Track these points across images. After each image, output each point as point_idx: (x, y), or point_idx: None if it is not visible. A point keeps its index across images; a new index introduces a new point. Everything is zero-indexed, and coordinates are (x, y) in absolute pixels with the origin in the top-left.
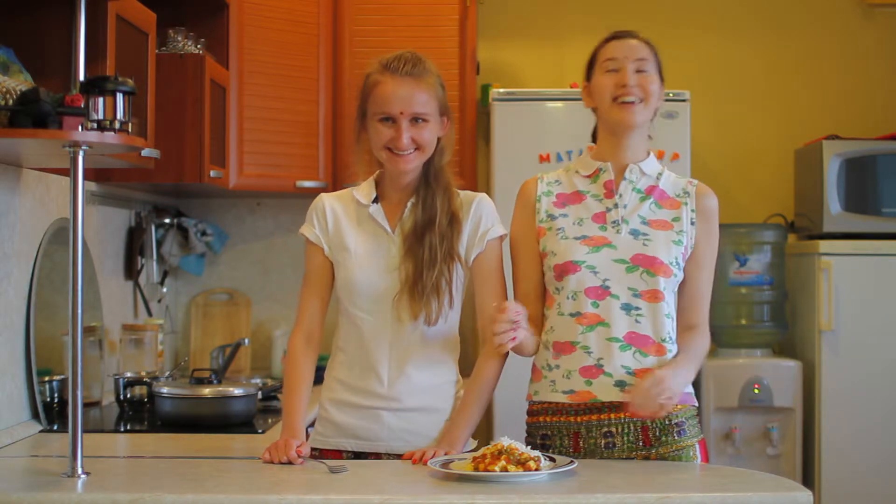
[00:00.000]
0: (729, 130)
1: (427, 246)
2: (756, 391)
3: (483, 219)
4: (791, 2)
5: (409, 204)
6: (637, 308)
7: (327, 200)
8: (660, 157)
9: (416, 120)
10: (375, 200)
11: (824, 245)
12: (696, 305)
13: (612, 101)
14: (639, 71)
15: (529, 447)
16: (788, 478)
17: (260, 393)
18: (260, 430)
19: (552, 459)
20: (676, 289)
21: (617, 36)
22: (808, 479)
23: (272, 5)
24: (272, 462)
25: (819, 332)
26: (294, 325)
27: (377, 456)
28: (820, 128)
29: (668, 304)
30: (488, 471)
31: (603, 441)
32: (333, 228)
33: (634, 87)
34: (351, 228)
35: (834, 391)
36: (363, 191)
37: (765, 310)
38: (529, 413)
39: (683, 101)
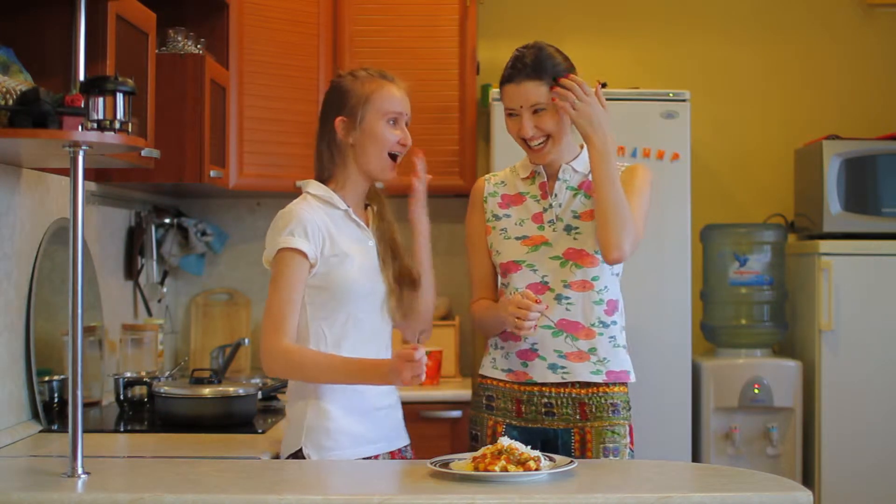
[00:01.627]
0: (729, 130)
1: (400, 250)
2: (756, 391)
3: None
4: (791, 2)
5: (374, 212)
6: (567, 297)
7: (310, 212)
8: (659, 156)
9: (405, 124)
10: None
11: (824, 245)
12: None
13: (521, 141)
14: (536, 112)
15: (475, 407)
16: (788, 478)
17: (260, 393)
18: (260, 430)
19: (552, 459)
20: (615, 271)
21: (510, 78)
22: (808, 479)
23: (272, 5)
24: (408, 381)
25: (819, 332)
26: (276, 334)
27: (376, 458)
28: (820, 128)
29: (600, 291)
30: (488, 471)
31: (543, 409)
32: (329, 240)
33: (535, 132)
34: (340, 234)
35: (834, 391)
36: (332, 197)
37: (765, 310)
38: (480, 377)
39: (683, 101)
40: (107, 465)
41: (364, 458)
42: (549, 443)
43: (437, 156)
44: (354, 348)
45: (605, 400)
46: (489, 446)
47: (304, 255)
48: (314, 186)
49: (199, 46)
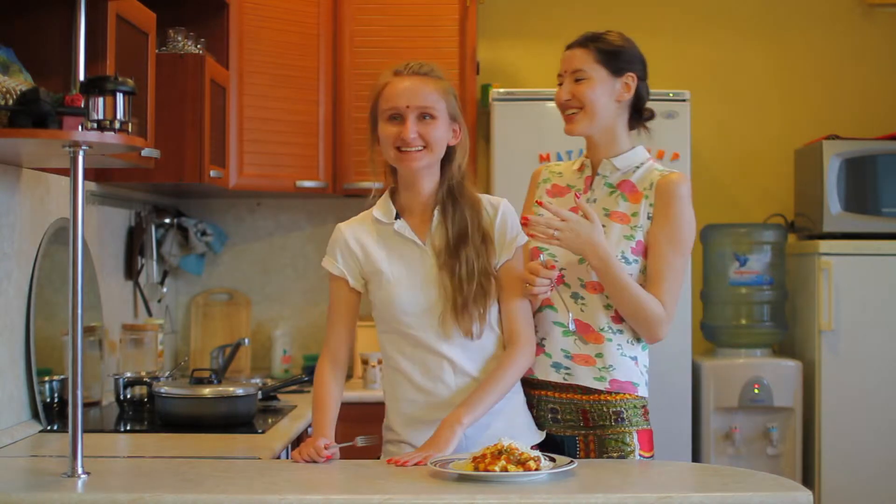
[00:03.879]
0: (729, 130)
1: (464, 261)
2: (756, 391)
3: (509, 226)
4: (791, 2)
5: (435, 215)
6: (582, 298)
7: (346, 231)
8: (659, 156)
9: (423, 117)
10: (397, 217)
11: (824, 245)
12: (652, 286)
13: (560, 108)
14: (577, 80)
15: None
16: (788, 478)
17: (260, 393)
18: (260, 430)
19: (552, 459)
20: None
21: (567, 46)
22: (808, 479)
23: (272, 5)
24: (299, 460)
25: (819, 332)
26: (321, 352)
27: None
28: (820, 128)
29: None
30: (488, 471)
31: (549, 416)
32: (363, 257)
33: (569, 97)
34: (379, 250)
35: (834, 391)
36: (381, 209)
37: (765, 310)
38: None
39: (683, 101)
40: (107, 465)
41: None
42: (556, 450)
43: None
44: (407, 361)
45: (608, 408)
46: (489, 446)
47: (333, 274)
48: (381, 198)
49: (199, 46)
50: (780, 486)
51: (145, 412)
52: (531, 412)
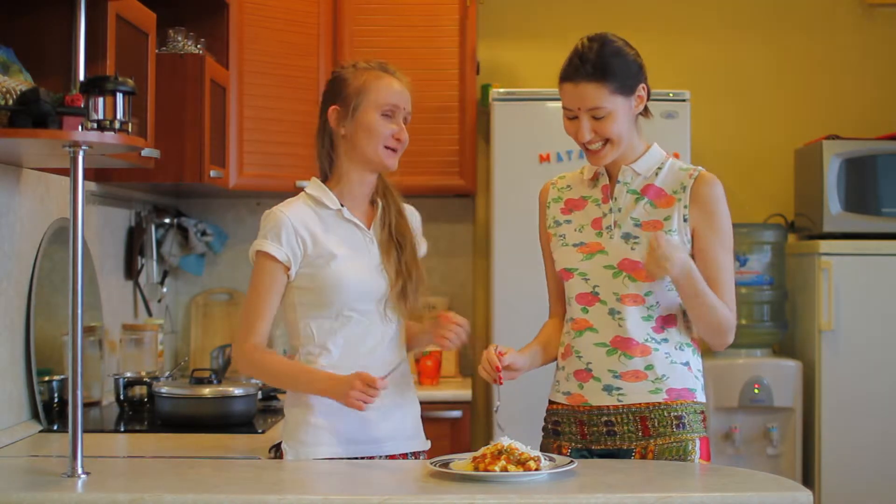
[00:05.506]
0: (729, 130)
1: (408, 250)
2: (756, 391)
3: (419, 233)
4: (791, 2)
5: (379, 206)
6: (619, 312)
7: (291, 215)
8: None
9: (405, 121)
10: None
11: (824, 245)
12: (714, 292)
13: (581, 145)
14: (595, 118)
15: (543, 433)
16: (788, 478)
17: (260, 393)
18: (260, 430)
19: (552, 459)
20: (670, 287)
21: (568, 76)
22: (808, 479)
23: (272, 5)
24: (365, 401)
25: (819, 332)
26: (246, 335)
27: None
28: (820, 128)
29: (650, 307)
30: (488, 471)
31: (605, 429)
32: (312, 243)
33: (592, 136)
34: (328, 235)
35: (834, 391)
36: (322, 195)
37: (765, 310)
38: (548, 402)
39: (683, 101)
40: (107, 465)
41: (352, 458)
42: None
43: (437, 156)
44: (346, 347)
45: (668, 412)
46: (489, 446)
47: (276, 259)
48: (312, 185)
49: (199, 46)
50: (780, 486)
51: (145, 412)
52: (582, 430)
